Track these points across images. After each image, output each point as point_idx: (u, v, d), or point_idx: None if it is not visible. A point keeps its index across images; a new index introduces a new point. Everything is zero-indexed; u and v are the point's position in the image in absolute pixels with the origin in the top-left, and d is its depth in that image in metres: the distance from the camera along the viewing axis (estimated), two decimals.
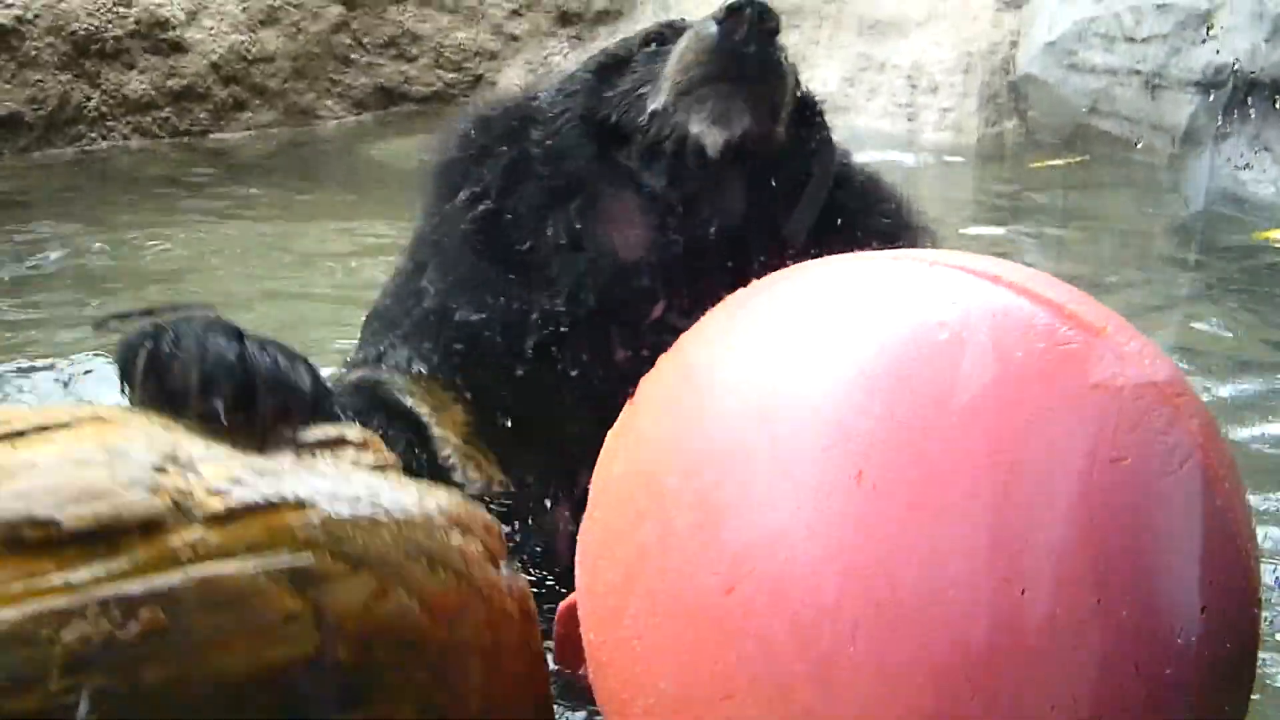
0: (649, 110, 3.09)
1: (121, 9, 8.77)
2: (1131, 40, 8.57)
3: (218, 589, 1.79)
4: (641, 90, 3.10)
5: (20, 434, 1.89)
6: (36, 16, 8.42)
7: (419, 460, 2.96)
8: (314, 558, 1.86)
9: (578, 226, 3.10)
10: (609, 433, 2.26)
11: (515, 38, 10.39)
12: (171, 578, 1.78)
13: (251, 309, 5.34)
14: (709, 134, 3.02)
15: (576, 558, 2.16)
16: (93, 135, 8.73)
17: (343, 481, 1.97)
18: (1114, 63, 8.68)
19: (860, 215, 3.23)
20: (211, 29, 9.16)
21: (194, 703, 1.78)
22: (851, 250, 2.65)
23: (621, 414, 2.26)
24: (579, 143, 3.17)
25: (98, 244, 6.54)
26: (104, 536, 1.76)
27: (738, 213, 3.09)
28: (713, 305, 2.40)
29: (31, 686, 1.69)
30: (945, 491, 1.75)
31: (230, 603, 1.80)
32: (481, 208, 3.17)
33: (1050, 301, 1.90)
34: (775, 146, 3.07)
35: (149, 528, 1.80)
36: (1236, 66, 8.03)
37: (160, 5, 8.92)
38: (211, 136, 9.22)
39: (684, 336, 2.26)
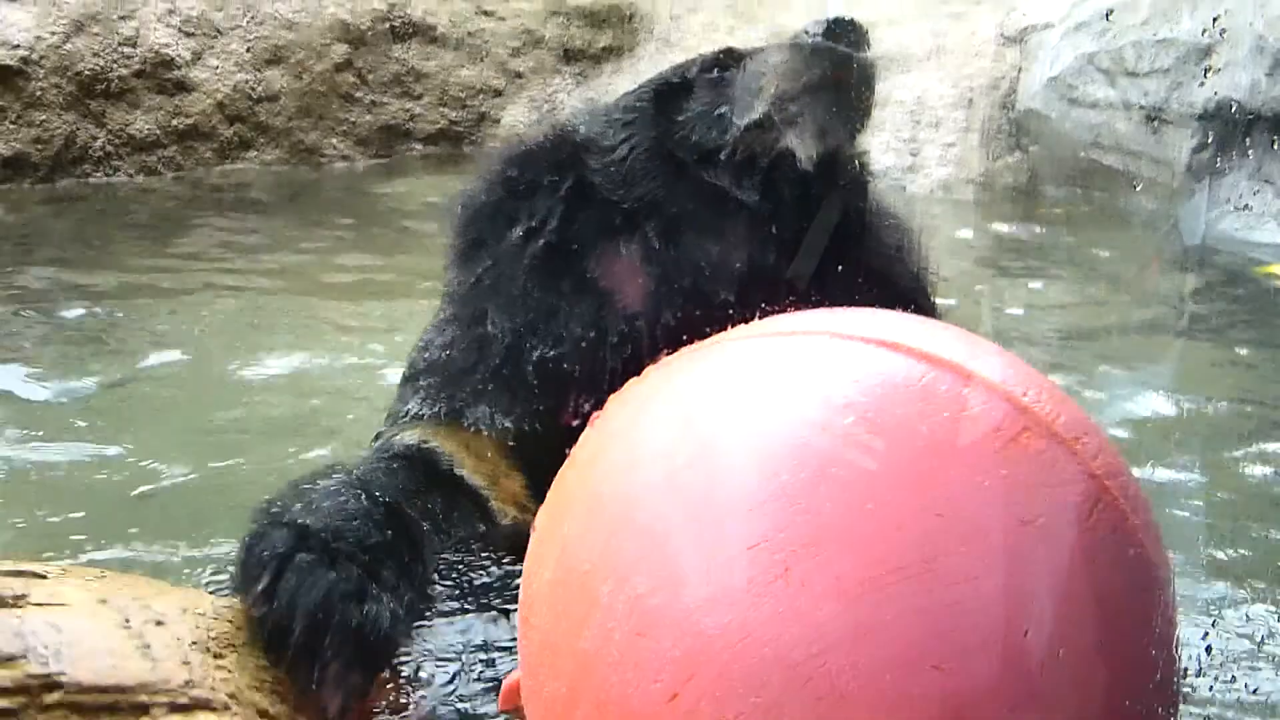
0: (742, 123, 3.10)
1: (127, 49, 8.78)
2: (1133, 75, 8.55)
3: None
4: (721, 110, 3.11)
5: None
6: (42, 57, 8.46)
7: (481, 536, 2.97)
8: None
9: (657, 246, 3.10)
10: (534, 527, 2.25)
11: (519, 75, 10.34)
12: None
13: (255, 357, 5.36)
14: (807, 144, 3.04)
15: (520, 660, 2.15)
16: (98, 175, 8.73)
17: None
18: (1115, 97, 8.65)
19: (869, 238, 3.25)
20: (217, 68, 9.15)
21: None
22: (854, 279, 2.90)
23: (543, 512, 2.26)
24: (653, 165, 3.16)
25: (100, 283, 6.54)
26: None
27: (822, 222, 3.09)
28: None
29: None
30: (874, 574, 1.77)
31: None
32: (542, 241, 3.17)
33: (948, 364, 1.92)
34: (850, 159, 3.10)
35: None
36: (1237, 102, 8.03)
37: (166, 45, 8.92)
38: (217, 175, 9.20)
39: (591, 432, 2.26)
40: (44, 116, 8.53)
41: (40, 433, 4.50)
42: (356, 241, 7.71)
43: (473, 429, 3.15)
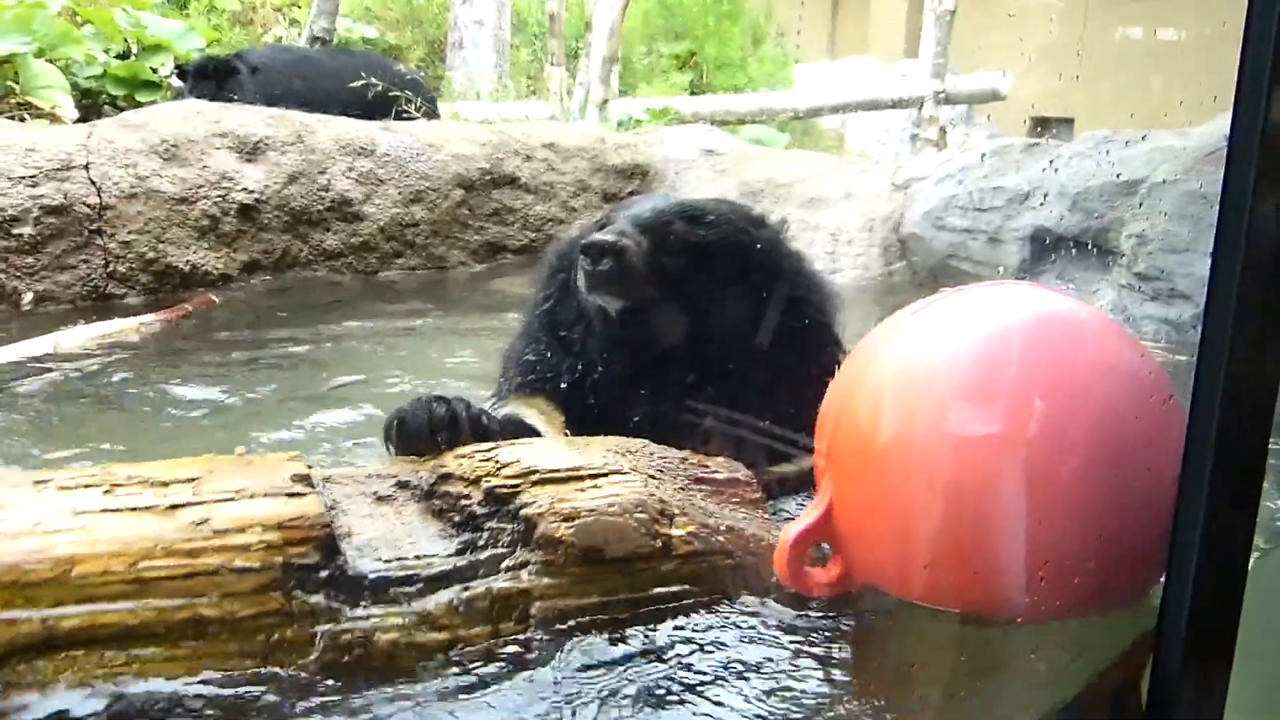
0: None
1: (322, 193, 10.19)
2: (979, 209, 9.88)
3: None
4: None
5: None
6: (268, 199, 9.86)
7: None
8: None
9: (587, 317, 3.90)
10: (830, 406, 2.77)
11: (575, 210, 11.53)
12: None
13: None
14: (610, 304, 3.80)
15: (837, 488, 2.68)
16: (303, 274, 10.06)
17: None
18: (968, 224, 9.93)
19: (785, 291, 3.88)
20: (379, 204, 10.55)
21: None
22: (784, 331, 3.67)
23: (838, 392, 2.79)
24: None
25: (308, 344, 7.81)
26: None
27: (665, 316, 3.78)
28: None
29: None
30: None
31: None
32: (548, 305, 4.10)
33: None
34: (657, 293, 3.76)
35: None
36: (1048, 228, 9.35)
37: (347, 190, 10.31)
38: (380, 275, 10.47)
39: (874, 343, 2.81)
40: (269, 236, 9.88)
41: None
42: (473, 322, 8.84)
43: (533, 394, 3.90)
